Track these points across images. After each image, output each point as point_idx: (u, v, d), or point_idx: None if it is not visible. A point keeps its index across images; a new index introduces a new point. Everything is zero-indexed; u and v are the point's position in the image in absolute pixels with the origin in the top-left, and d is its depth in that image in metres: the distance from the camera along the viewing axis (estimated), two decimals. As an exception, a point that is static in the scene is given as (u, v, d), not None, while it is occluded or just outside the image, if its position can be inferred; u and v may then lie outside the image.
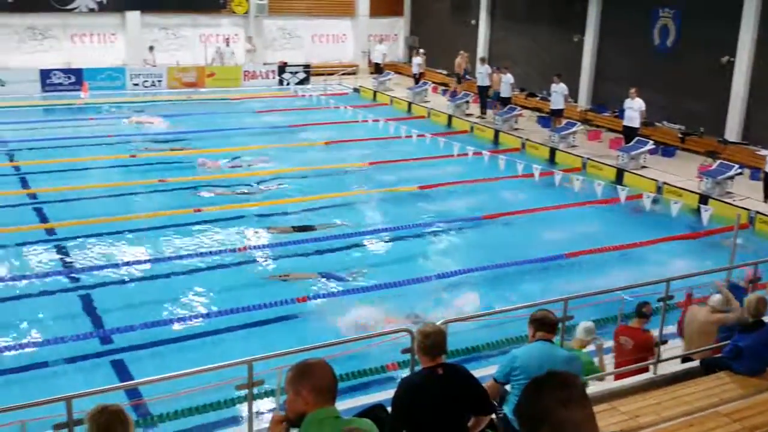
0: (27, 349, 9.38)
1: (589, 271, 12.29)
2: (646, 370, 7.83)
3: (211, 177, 16.76)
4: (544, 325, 5.93)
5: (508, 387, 5.95)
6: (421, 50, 27.68)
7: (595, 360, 7.80)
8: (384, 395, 6.56)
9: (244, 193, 15.82)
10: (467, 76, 26.27)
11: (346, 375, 8.28)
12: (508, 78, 22.42)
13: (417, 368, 5.38)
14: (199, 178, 16.57)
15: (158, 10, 27.83)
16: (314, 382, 3.61)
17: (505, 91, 22.50)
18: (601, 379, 7.64)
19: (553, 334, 6.00)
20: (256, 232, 13.73)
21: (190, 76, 27.30)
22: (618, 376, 7.88)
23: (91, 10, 26.69)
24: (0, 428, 6.24)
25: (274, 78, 28.69)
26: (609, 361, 8.12)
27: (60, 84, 25.20)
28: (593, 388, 7.20)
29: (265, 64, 29.09)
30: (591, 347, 7.95)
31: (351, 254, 12.95)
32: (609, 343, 8.42)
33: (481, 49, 27.33)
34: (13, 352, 9.25)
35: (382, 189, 16.58)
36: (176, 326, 10.04)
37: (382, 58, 29.92)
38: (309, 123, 22.42)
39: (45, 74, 25.09)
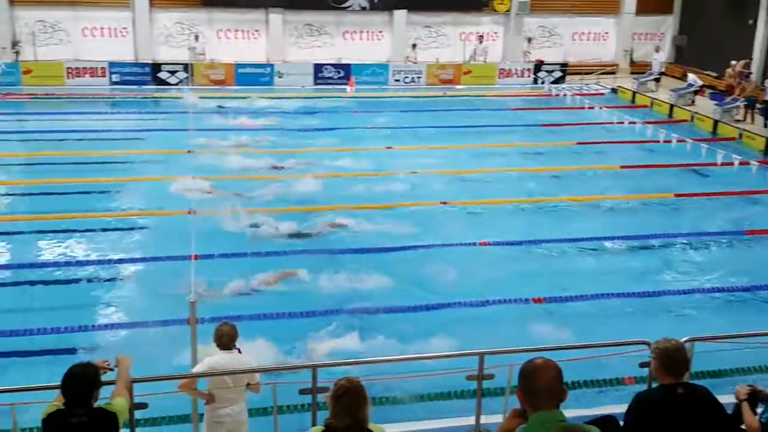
0: (281, 320, 10.17)
1: None
2: None
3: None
4: None
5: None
6: (733, 61, 25.28)
7: None
8: (616, 408, 6.33)
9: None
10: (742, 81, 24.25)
11: (577, 382, 8.11)
12: None
13: (654, 384, 5.14)
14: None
15: (424, 9, 28.91)
16: (536, 384, 3.62)
17: None
18: None
19: None
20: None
21: (448, 73, 28.04)
22: None
23: (363, 9, 28.39)
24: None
25: (529, 76, 28.57)
26: None
27: (330, 78, 27.15)
28: None
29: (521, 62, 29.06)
30: None
31: (589, 260, 12.59)
32: None
33: (757, 52, 25.02)
34: (269, 321, 10.10)
35: (633, 194, 15.89)
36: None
37: (660, 67, 28.17)
38: (561, 123, 22.05)
39: (317, 68, 27.19)
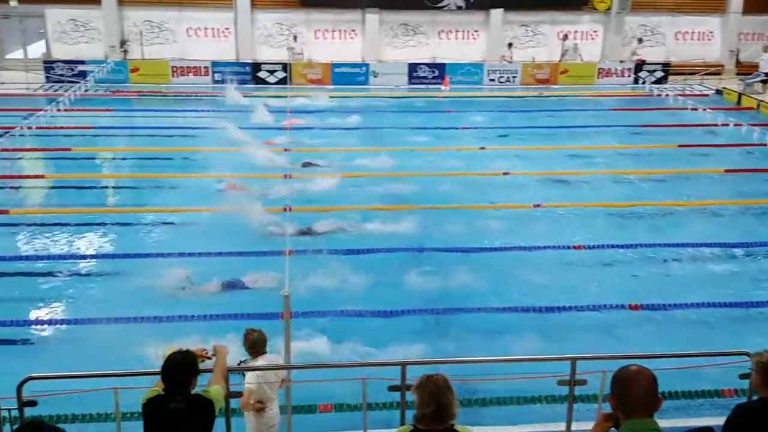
0: (369, 317, 10.23)
1: None
2: None
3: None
4: None
5: None
6: None
7: None
8: (714, 420, 6.11)
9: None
10: None
11: (673, 392, 7.86)
12: None
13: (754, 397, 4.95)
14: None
15: (521, 8, 28.60)
16: (630, 391, 3.55)
17: None
18: None
19: None
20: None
21: (544, 72, 27.62)
22: None
23: (459, 8, 28.34)
24: (343, 381, 6.99)
25: (629, 76, 27.81)
26: None
27: (424, 77, 27.21)
28: None
29: (621, 62, 28.32)
30: None
31: (688, 267, 12.16)
32: None
33: None
34: (358, 318, 10.16)
35: (737, 200, 15.27)
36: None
37: None
38: (662, 124, 21.37)
39: (412, 68, 27.29)
